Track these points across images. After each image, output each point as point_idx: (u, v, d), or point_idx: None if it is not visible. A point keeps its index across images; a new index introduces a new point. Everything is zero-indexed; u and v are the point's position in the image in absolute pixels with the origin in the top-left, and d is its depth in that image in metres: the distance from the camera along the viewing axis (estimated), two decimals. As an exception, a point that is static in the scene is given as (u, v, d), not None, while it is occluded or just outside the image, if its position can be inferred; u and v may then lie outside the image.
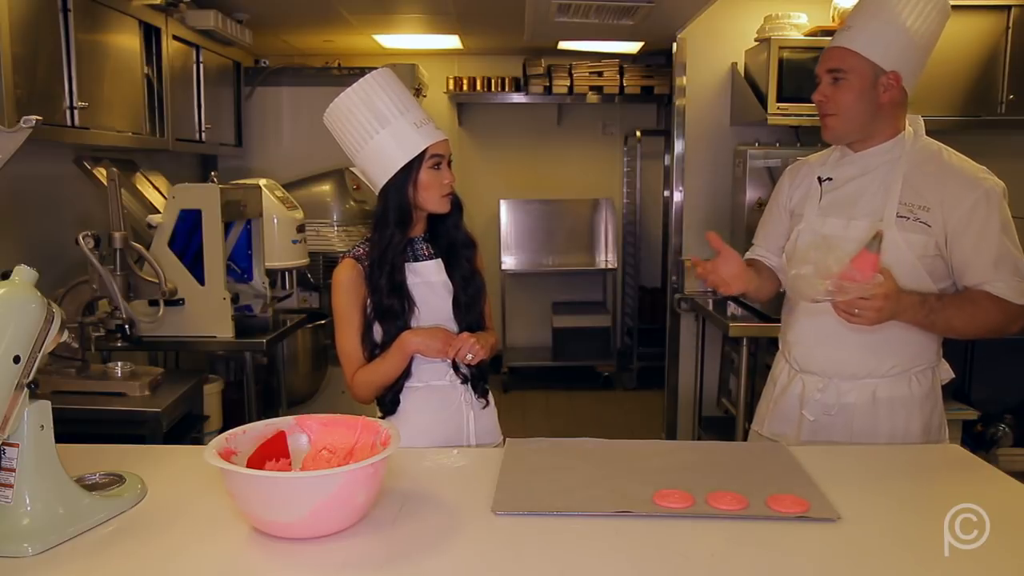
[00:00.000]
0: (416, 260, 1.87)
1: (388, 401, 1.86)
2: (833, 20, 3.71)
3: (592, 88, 5.67)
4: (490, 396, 1.95)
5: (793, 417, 1.97)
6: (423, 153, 1.78)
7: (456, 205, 1.88)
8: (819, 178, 1.96)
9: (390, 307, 1.81)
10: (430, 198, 1.81)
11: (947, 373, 1.98)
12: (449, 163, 1.83)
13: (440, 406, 1.87)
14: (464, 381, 1.89)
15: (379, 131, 1.76)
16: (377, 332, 1.83)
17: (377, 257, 1.81)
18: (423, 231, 1.89)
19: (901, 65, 1.81)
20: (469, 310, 1.89)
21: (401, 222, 1.81)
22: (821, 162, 2.00)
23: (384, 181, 1.80)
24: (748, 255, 2.17)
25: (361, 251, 1.85)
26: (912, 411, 1.90)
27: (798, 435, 1.95)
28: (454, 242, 1.90)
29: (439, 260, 1.88)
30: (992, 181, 1.80)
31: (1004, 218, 1.80)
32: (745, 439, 2.32)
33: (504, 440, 1.92)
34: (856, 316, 1.69)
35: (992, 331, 1.83)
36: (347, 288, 1.82)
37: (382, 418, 1.86)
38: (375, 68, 1.85)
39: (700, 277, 1.91)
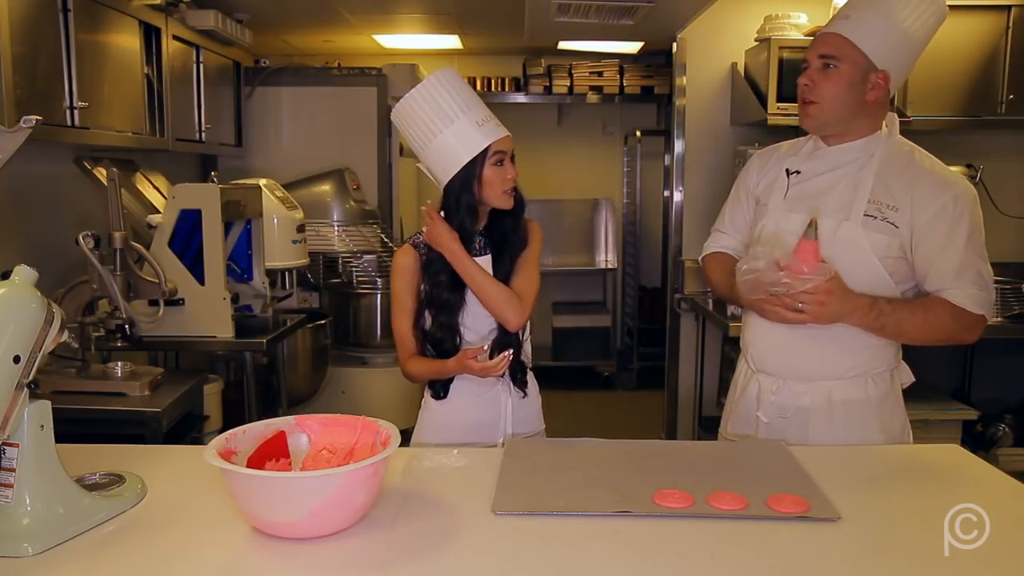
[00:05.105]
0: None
1: (440, 387, 1.94)
2: (833, 20, 3.70)
3: (592, 88, 5.67)
4: (531, 388, 2.00)
5: (752, 419, 1.92)
6: (486, 150, 1.82)
7: (519, 201, 1.91)
8: (787, 170, 1.91)
9: (447, 301, 1.87)
10: (493, 193, 1.86)
11: (907, 376, 1.92)
12: (512, 159, 1.87)
13: (479, 390, 1.93)
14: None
15: (442, 130, 1.81)
16: (427, 320, 1.89)
17: (439, 252, 1.86)
18: (483, 226, 1.93)
19: (892, 65, 1.79)
20: None
21: (468, 217, 1.86)
22: (792, 152, 1.94)
23: (447, 178, 1.85)
24: (713, 247, 2.10)
25: (420, 238, 1.91)
26: (869, 415, 1.84)
27: (757, 437, 1.90)
28: (507, 240, 1.93)
29: (488, 256, 1.92)
30: (964, 186, 1.77)
31: (972, 225, 1.75)
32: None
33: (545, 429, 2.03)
34: (799, 313, 1.69)
35: (946, 339, 1.80)
36: (404, 273, 1.90)
37: (435, 397, 1.95)
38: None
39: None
